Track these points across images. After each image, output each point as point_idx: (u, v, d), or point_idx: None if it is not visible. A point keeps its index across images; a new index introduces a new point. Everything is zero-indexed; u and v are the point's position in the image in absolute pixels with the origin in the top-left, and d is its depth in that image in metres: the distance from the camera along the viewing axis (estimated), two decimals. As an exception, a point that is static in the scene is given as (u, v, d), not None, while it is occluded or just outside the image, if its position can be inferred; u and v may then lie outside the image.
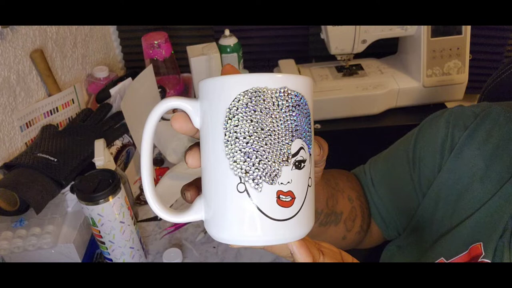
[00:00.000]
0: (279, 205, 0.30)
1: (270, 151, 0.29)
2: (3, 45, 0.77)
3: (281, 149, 0.30)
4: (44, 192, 0.70)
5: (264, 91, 0.29)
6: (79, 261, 0.69)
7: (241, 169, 0.29)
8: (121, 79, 1.02)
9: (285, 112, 0.30)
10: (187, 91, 1.16)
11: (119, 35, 1.23)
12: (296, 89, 0.30)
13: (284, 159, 0.30)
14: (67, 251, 0.68)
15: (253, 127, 0.29)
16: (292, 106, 0.30)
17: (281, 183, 0.30)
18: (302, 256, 0.33)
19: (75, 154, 0.79)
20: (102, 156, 0.72)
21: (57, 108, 0.92)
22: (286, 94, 0.30)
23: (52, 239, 0.66)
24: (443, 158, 0.53)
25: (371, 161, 0.64)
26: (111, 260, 0.67)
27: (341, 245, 0.57)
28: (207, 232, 0.35)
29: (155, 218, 0.80)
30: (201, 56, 1.03)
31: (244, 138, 0.29)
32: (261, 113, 0.29)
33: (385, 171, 0.61)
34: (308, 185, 0.31)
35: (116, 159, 0.85)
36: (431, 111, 0.60)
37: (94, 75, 1.07)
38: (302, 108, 0.31)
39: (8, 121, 0.79)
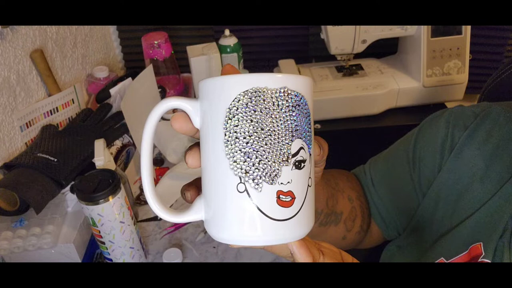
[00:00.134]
0: (279, 205, 0.30)
1: (270, 151, 0.29)
2: (3, 45, 0.77)
3: (281, 149, 0.30)
4: (44, 192, 0.70)
5: (264, 91, 0.29)
6: (79, 261, 0.69)
7: (241, 169, 0.29)
8: (121, 79, 1.02)
9: (285, 112, 0.30)
10: (187, 91, 1.16)
11: (119, 35, 1.23)
12: (296, 89, 0.30)
13: (284, 159, 0.30)
14: (67, 251, 0.68)
15: (253, 127, 0.29)
16: (292, 106, 0.30)
17: (281, 183, 0.30)
18: (302, 256, 0.33)
19: (75, 154, 0.79)
20: (102, 156, 0.72)
21: (57, 108, 0.92)
22: (286, 94, 0.30)
23: (52, 239, 0.66)
24: (443, 158, 0.53)
25: (371, 161, 0.64)
26: (111, 260, 0.67)
27: (341, 245, 0.57)
28: (207, 232, 0.35)
29: (155, 218, 0.80)
30: (201, 56, 1.03)
31: (244, 138, 0.29)
32: (261, 113, 0.29)
33: (385, 171, 0.61)
34: (308, 185, 0.31)
35: (116, 159, 0.85)
36: (431, 111, 0.60)
37: (94, 75, 1.07)
38: (302, 108, 0.31)
39: (8, 121, 0.79)
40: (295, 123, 0.30)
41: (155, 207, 0.33)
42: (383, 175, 0.60)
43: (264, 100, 0.29)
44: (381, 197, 0.60)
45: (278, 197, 0.30)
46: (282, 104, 0.30)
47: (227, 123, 0.29)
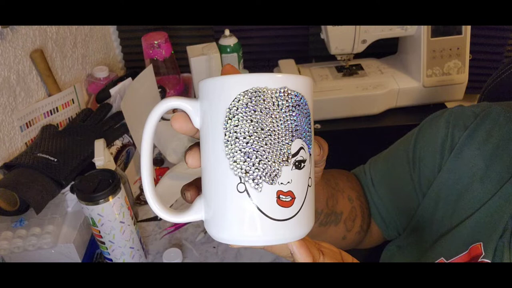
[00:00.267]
0: (279, 205, 0.30)
1: (270, 151, 0.29)
2: (3, 45, 0.77)
3: (281, 149, 0.30)
4: (44, 192, 0.70)
5: (264, 91, 0.29)
6: (79, 261, 0.69)
7: (241, 169, 0.29)
8: (121, 79, 1.02)
9: (285, 112, 0.30)
10: (187, 91, 1.16)
11: (119, 35, 1.23)
12: (296, 89, 0.30)
13: (284, 159, 0.30)
14: (67, 251, 0.68)
15: (253, 127, 0.29)
16: (292, 106, 0.30)
17: (281, 183, 0.30)
18: (302, 256, 0.33)
19: (75, 154, 0.79)
20: (102, 156, 0.72)
21: (57, 108, 0.92)
22: (286, 94, 0.30)
23: (52, 239, 0.66)
24: (443, 158, 0.53)
25: (371, 161, 0.64)
26: (111, 260, 0.67)
27: (341, 245, 0.57)
28: (207, 232, 0.35)
29: (155, 218, 0.80)
30: (201, 56, 1.03)
31: (244, 138, 0.29)
32: (261, 113, 0.29)
33: (385, 171, 0.61)
34: (308, 185, 0.31)
35: (116, 159, 0.85)
36: (431, 111, 0.60)
37: (94, 75, 1.07)
38: (302, 108, 0.31)
39: (8, 121, 0.79)
40: (295, 123, 0.30)
41: (155, 207, 0.33)
42: (383, 175, 0.60)
43: (264, 100, 0.29)
44: (381, 197, 0.60)
45: (278, 197, 0.30)
46: (282, 104, 0.30)
47: (227, 123, 0.29)
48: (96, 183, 0.61)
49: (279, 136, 0.30)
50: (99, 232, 0.63)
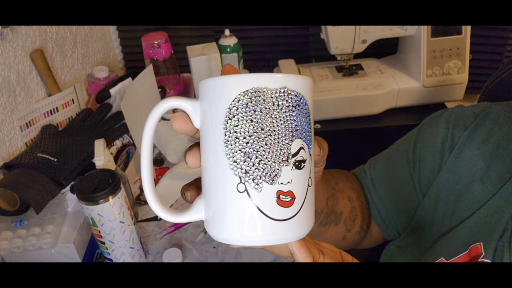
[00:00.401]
0: (279, 205, 0.30)
1: (270, 151, 0.29)
2: (3, 45, 0.77)
3: (281, 149, 0.30)
4: (44, 192, 0.70)
5: (264, 91, 0.29)
6: (79, 261, 0.69)
7: (241, 169, 0.29)
8: (121, 79, 1.02)
9: (285, 112, 0.30)
10: (187, 91, 1.16)
11: (119, 35, 1.23)
12: (296, 89, 0.30)
13: (284, 159, 0.30)
14: (67, 251, 0.68)
15: (253, 127, 0.29)
16: (292, 106, 0.30)
17: (281, 183, 0.30)
18: (302, 256, 0.33)
19: (75, 154, 0.79)
20: (102, 156, 0.72)
21: (57, 108, 0.92)
22: (286, 94, 0.30)
23: (52, 239, 0.66)
24: (443, 158, 0.53)
25: (371, 161, 0.64)
26: (111, 260, 0.67)
27: (341, 245, 0.57)
28: (207, 232, 0.35)
29: (155, 218, 0.80)
30: (201, 56, 1.03)
31: (244, 138, 0.29)
32: (261, 113, 0.29)
33: (385, 171, 0.61)
34: (308, 185, 0.31)
35: (116, 159, 0.85)
36: (431, 111, 0.60)
37: (94, 75, 1.07)
38: (302, 108, 0.31)
39: (8, 121, 0.79)
40: (295, 123, 0.30)
41: (155, 207, 0.33)
42: (383, 175, 0.60)
43: (264, 100, 0.29)
44: (381, 197, 0.60)
45: (278, 197, 0.30)
46: (282, 104, 0.30)
47: (227, 123, 0.29)
48: (96, 183, 0.61)
49: (279, 136, 0.30)
50: (99, 232, 0.63)
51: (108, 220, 0.61)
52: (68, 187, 0.74)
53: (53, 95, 0.91)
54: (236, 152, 0.29)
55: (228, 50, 1.06)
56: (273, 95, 0.29)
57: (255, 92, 0.29)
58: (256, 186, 0.29)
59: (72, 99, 0.96)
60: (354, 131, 1.05)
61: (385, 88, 1.03)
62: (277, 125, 0.30)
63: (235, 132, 0.29)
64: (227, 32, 1.06)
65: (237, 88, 0.29)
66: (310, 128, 0.32)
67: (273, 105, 0.30)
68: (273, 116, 0.30)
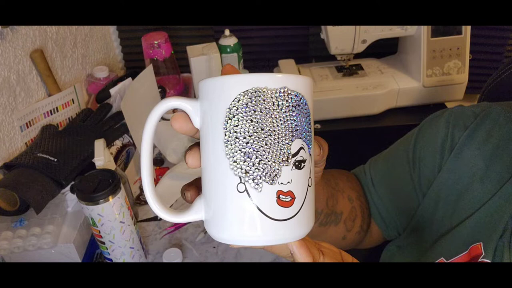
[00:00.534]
0: (279, 205, 0.30)
1: (270, 151, 0.29)
2: (3, 45, 0.77)
3: (281, 149, 0.30)
4: (44, 192, 0.70)
5: (264, 91, 0.29)
6: (79, 261, 0.69)
7: (241, 169, 0.29)
8: (121, 79, 1.02)
9: (285, 112, 0.30)
10: (187, 91, 1.16)
11: (119, 35, 1.23)
12: (296, 89, 0.30)
13: (284, 159, 0.30)
14: (67, 251, 0.68)
15: (253, 127, 0.29)
16: (292, 106, 0.30)
17: (281, 183, 0.30)
18: (302, 256, 0.33)
19: (75, 154, 0.79)
20: (102, 156, 0.72)
21: (57, 108, 0.92)
22: (286, 94, 0.30)
23: (52, 239, 0.66)
24: (443, 158, 0.53)
25: (371, 161, 0.64)
26: (111, 260, 0.67)
27: (341, 245, 0.57)
28: (207, 232, 0.35)
29: (155, 218, 0.80)
30: (201, 56, 1.03)
31: (244, 138, 0.29)
32: (261, 113, 0.29)
33: (385, 171, 0.61)
34: (308, 185, 0.31)
35: (116, 159, 0.85)
36: (431, 111, 0.60)
37: (94, 75, 1.07)
38: (302, 108, 0.31)
39: (8, 121, 0.79)
40: (295, 123, 0.30)
41: (155, 207, 0.33)
42: (383, 175, 0.60)
43: (264, 100, 0.29)
44: (381, 197, 0.60)
45: (278, 197, 0.30)
46: (282, 104, 0.30)
47: (227, 123, 0.29)
48: (96, 183, 0.61)
49: (279, 136, 0.30)
50: (99, 232, 0.63)
51: (108, 220, 0.61)
52: (68, 187, 0.74)
53: (53, 95, 0.91)
54: (236, 152, 0.29)
55: (228, 50, 1.06)
56: (273, 95, 0.29)
57: (255, 92, 0.29)
58: (256, 186, 0.29)
59: (72, 99, 0.96)
60: (354, 131, 1.05)
61: (385, 88, 1.03)
62: (277, 125, 0.30)
63: (235, 132, 0.29)
64: (227, 32, 1.06)
65: (237, 88, 0.29)
66: (310, 128, 0.32)
67: (273, 105, 0.30)
68: (273, 116, 0.30)
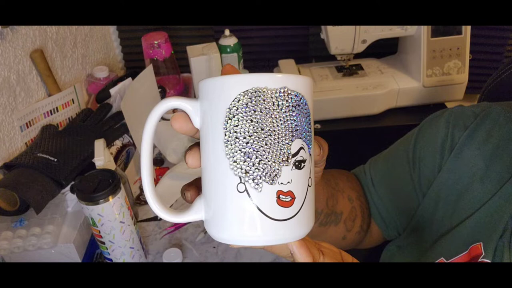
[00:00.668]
0: (279, 205, 0.30)
1: (270, 151, 0.29)
2: (3, 45, 0.77)
3: (281, 149, 0.30)
4: (44, 192, 0.70)
5: (264, 91, 0.29)
6: (79, 261, 0.69)
7: (241, 169, 0.29)
8: (121, 79, 1.02)
9: (285, 112, 0.30)
10: (187, 91, 1.16)
11: (119, 35, 1.23)
12: (296, 89, 0.30)
13: (284, 159, 0.30)
14: (67, 251, 0.68)
15: (253, 127, 0.29)
16: (292, 106, 0.30)
17: (281, 183, 0.30)
18: (302, 256, 0.33)
19: (75, 154, 0.79)
20: (102, 156, 0.72)
21: (57, 108, 0.92)
22: (286, 94, 0.30)
23: (52, 239, 0.66)
24: (443, 158, 0.53)
25: (371, 161, 0.64)
26: (111, 260, 0.67)
27: (341, 245, 0.57)
28: (207, 232, 0.35)
29: (155, 218, 0.80)
30: (201, 56, 1.03)
31: (244, 138, 0.29)
32: (261, 113, 0.29)
33: (385, 171, 0.61)
34: (308, 185, 0.31)
35: (116, 159, 0.85)
36: (431, 111, 0.60)
37: (94, 75, 1.07)
38: (302, 108, 0.31)
39: (8, 121, 0.79)
40: (295, 123, 0.30)
41: (155, 207, 0.33)
42: (383, 175, 0.60)
43: (264, 100, 0.29)
44: (381, 197, 0.60)
45: (278, 197, 0.30)
46: (282, 104, 0.30)
47: (227, 123, 0.29)
48: (96, 183, 0.61)
49: (279, 136, 0.30)
50: (99, 232, 0.63)
51: (108, 220, 0.61)
52: (68, 187, 0.74)
53: (53, 95, 0.91)
54: (236, 152, 0.29)
55: (228, 50, 1.06)
56: (273, 95, 0.29)
57: (255, 92, 0.29)
58: (256, 186, 0.29)
59: (72, 99, 0.96)
60: (354, 131, 1.05)
61: (385, 88, 1.03)
62: (277, 125, 0.30)
63: (235, 132, 0.29)
64: (227, 32, 1.06)
65: (237, 88, 0.29)
66: (310, 128, 0.32)
67: (273, 105, 0.30)
68: (273, 116, 0.30)
